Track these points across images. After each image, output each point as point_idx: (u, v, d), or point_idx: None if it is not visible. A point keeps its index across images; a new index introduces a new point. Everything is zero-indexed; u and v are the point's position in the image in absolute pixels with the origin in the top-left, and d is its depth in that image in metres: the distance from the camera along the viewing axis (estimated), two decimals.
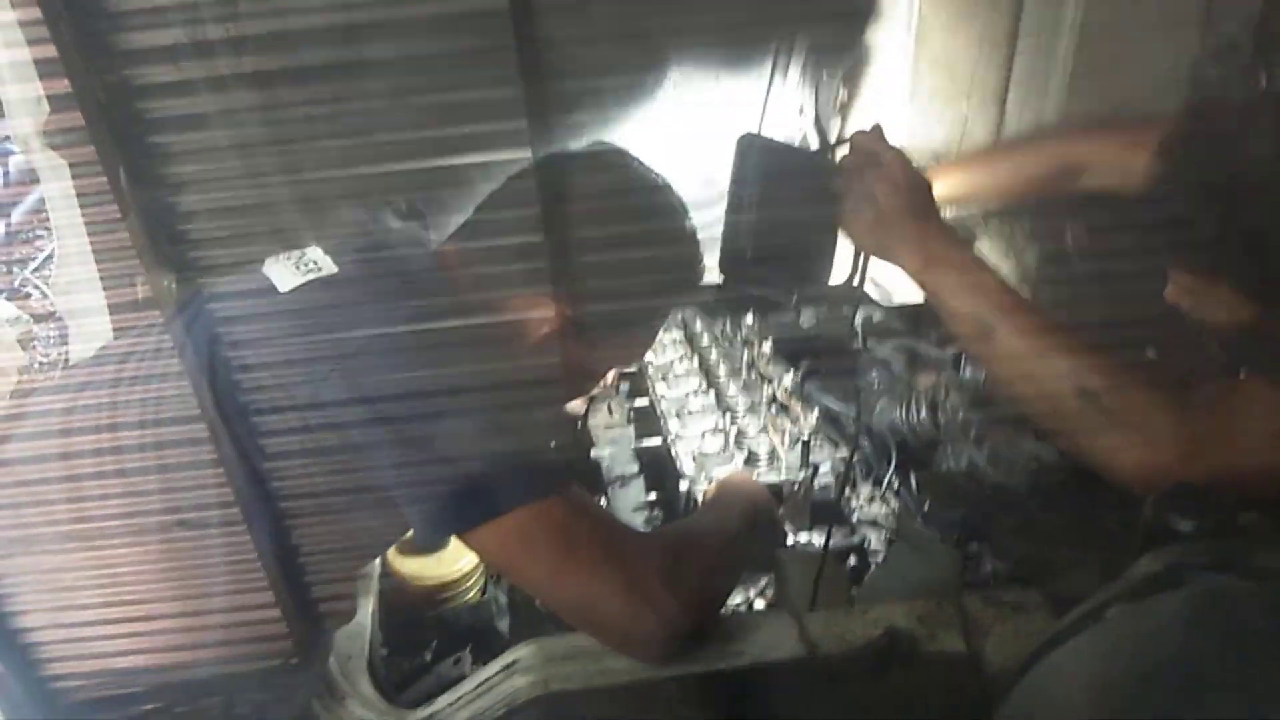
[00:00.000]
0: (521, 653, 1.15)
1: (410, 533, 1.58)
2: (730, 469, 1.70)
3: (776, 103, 1.46)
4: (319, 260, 1.22)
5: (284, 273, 1.21)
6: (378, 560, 1.50)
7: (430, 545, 1.52)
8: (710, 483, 1.67)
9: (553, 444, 1.24)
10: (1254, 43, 1.78)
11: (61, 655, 1.35)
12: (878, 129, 1.35)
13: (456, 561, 1.56)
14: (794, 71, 1.40)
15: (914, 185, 1.28)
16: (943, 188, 1.82)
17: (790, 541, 1.63)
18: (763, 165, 1.32)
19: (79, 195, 1.23)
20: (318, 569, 1.35)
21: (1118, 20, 1.82)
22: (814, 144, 1.56)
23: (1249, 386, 1.11)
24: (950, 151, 1.94)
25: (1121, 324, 1.79)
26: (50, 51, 1.05)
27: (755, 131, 1.39)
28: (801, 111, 1.48)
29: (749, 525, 1.44)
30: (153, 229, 1.25)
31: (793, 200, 1.33)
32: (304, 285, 1.19)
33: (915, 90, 1.88)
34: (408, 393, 1.09)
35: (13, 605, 1.33)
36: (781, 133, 1.50)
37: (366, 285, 1.23)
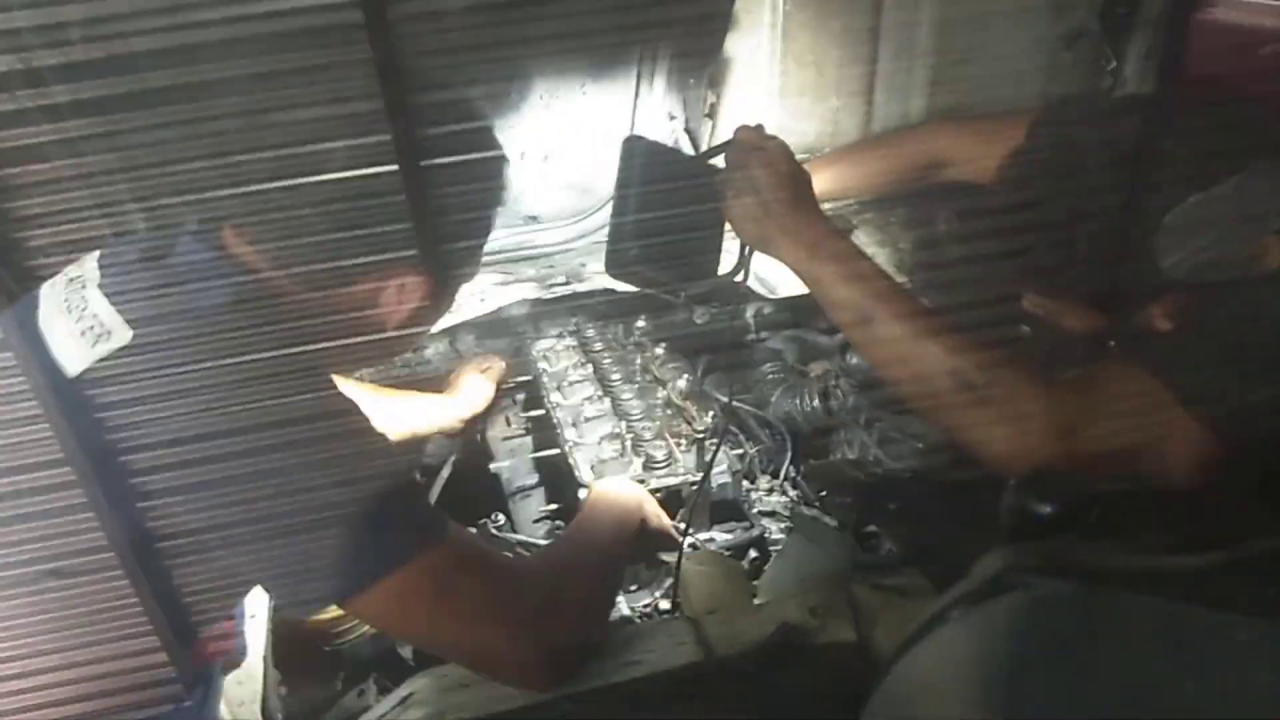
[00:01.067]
0: (417, 684, 1.13)
1: None
2: (628, 475, 1.70)
3: (645, 110, 1.47)
4: (107, 320, 1.06)
5: (68, 343, 1.06)
6: (267, 600, 1.45)
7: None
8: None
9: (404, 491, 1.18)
10: (1101, 28, 1.88)
11: None
12: (760, 126, 1.37)
13: None
14: (659, 79, 1.41)
15: (795, 177, 1.30)
16: (816, 183, 1.86)
17: (689, 542, 1.64)
18: (646, 166, 1.33)
19: None
20: (202, 609, 1.30)
21: (972, 14, 1.89)
22: (687, 148, 1.57)
23: (1112, 368, 1.16)
24: (822, 146, 1.98)
25: (993, 304, 1.87)
26: None
27: (638, 134, 1.39)
28: (672, 117, 1.49)
29: (625, 536, 1.43)
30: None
31: (677, 199, 1.33)
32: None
33: (784, 88, 1.91)
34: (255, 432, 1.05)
35: None
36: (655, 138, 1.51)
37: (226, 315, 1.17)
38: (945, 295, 2.06)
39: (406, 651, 1.58)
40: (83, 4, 1.09)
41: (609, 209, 1.68)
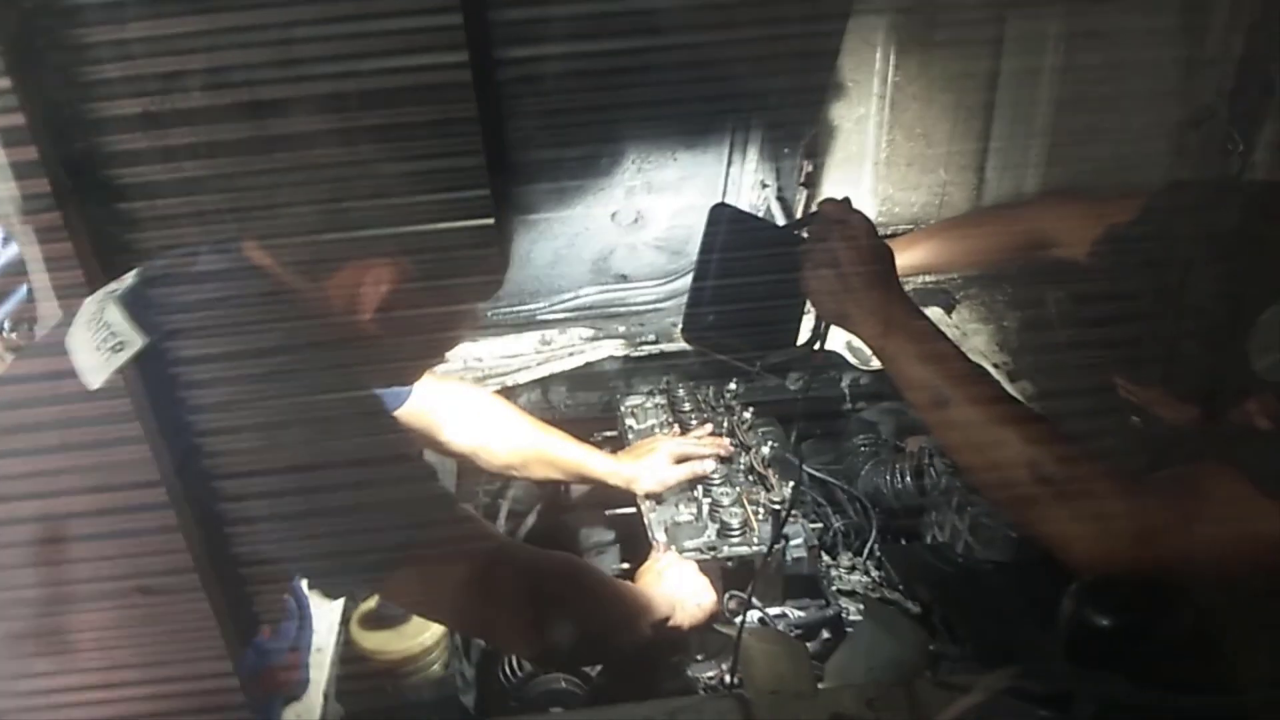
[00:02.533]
0: None
1: (372, 603, 1.59)
2: (703, 540, 1.67)
3: (737, 176, 1.47)
4: (119, 330, 1.06)
5: (89, 356, 1.07)
6: (335, 634, 1.48)
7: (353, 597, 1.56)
8: (670, 550, 1.65)
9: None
10: (1229, 111, 1.79)
11: None
12: (846, 200, 1.35)
13: (419, 635, 1.54)
14: (753, 147, 1.41)
15: (875, 252, 1.27)
16: (917, 254, 1.82)
17: (758, 617, 1.60)
18: (729, 233, 1.33)
19: (48, 261, 1.25)
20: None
21: (1093, 94, 1.83)
22: (779, 216, 1.56)
23: (1205, 469, 1.09)
24: (928, 218, 1.94)
25: (1101, 392, 1.78)
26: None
27: (726, 202, 1.39)
28: (764, 185, 1.49)
29: (648, 612, 1.45)
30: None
31: (758, 267, 1.33)
32: None
33: (891, 159, 1.89)
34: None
35: None
36: (745, 204, 1.51)
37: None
38: (1051, 379, 1.98)
39: (467, 699, 1.58)
40: (207, 55, 1.18)
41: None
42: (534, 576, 1.27)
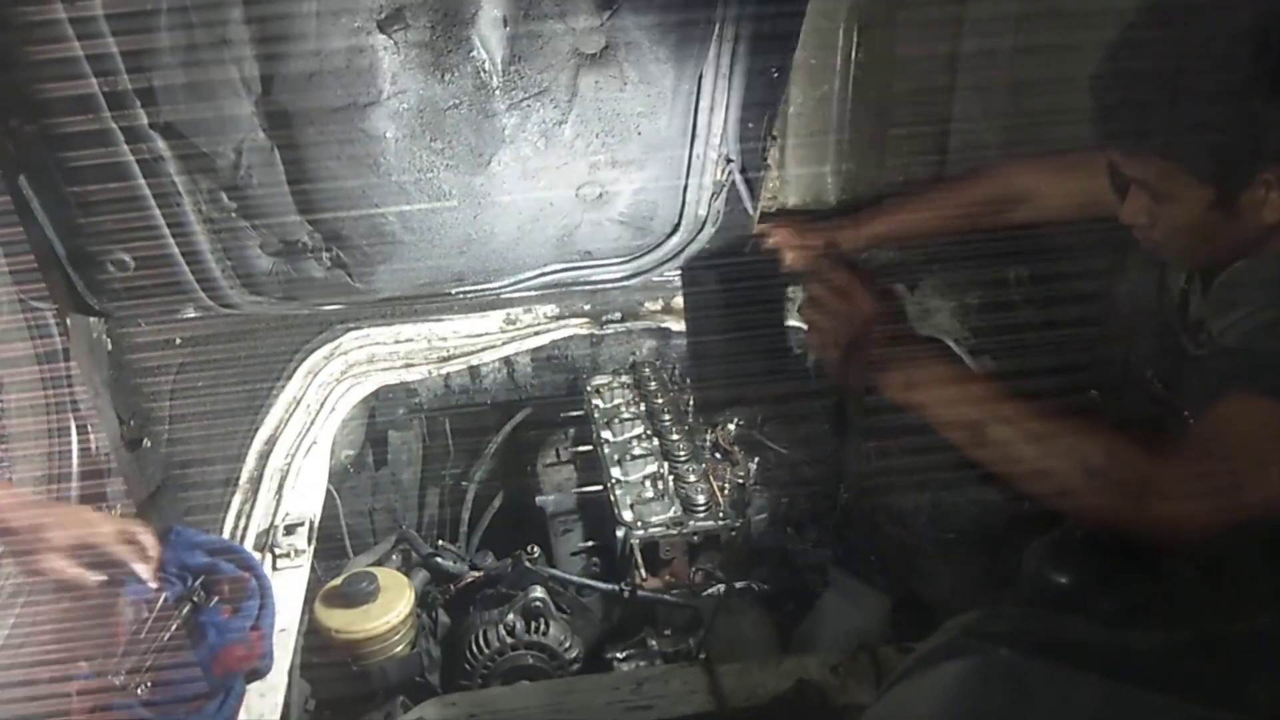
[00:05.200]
0: (428, 711, 1.13)
1: (337, 582, 1.58)
2: (667, 517, 1.68)
3: (704, 153, 1.47)
4: None
5: None
6: (298, 615, 1.48)
7: None
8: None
9: None
10: None
11: None
12: (832, 249, 1.33)
13: (385, 614, 1.53)
14: (716, 124, 1.41)
15: (882, 300, 1.24)
16: (886, 225, 1.82)
17: (724, 588, 1.61)
18: (711, 291, 1.29)
19: None
20: None
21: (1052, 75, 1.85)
22: (744, 197, 1.57)
23: (1243, 411, 1.09)
24: (893, 188, 1.95)
25: (1063, 370, 1.81)
26: None
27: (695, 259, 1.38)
28: (729, 160, 1.49)
29: None
30: None
31: (748, 316, 1.30)
32: None
33: (854, 135, 1.90)
34: None
35: None
36: (708, 181, 1.51)
37: None
38: (1013, 356, 2.00)
39: (434, 677, 1.58)
40: None
41: (663, 250, 1.68)
42: None
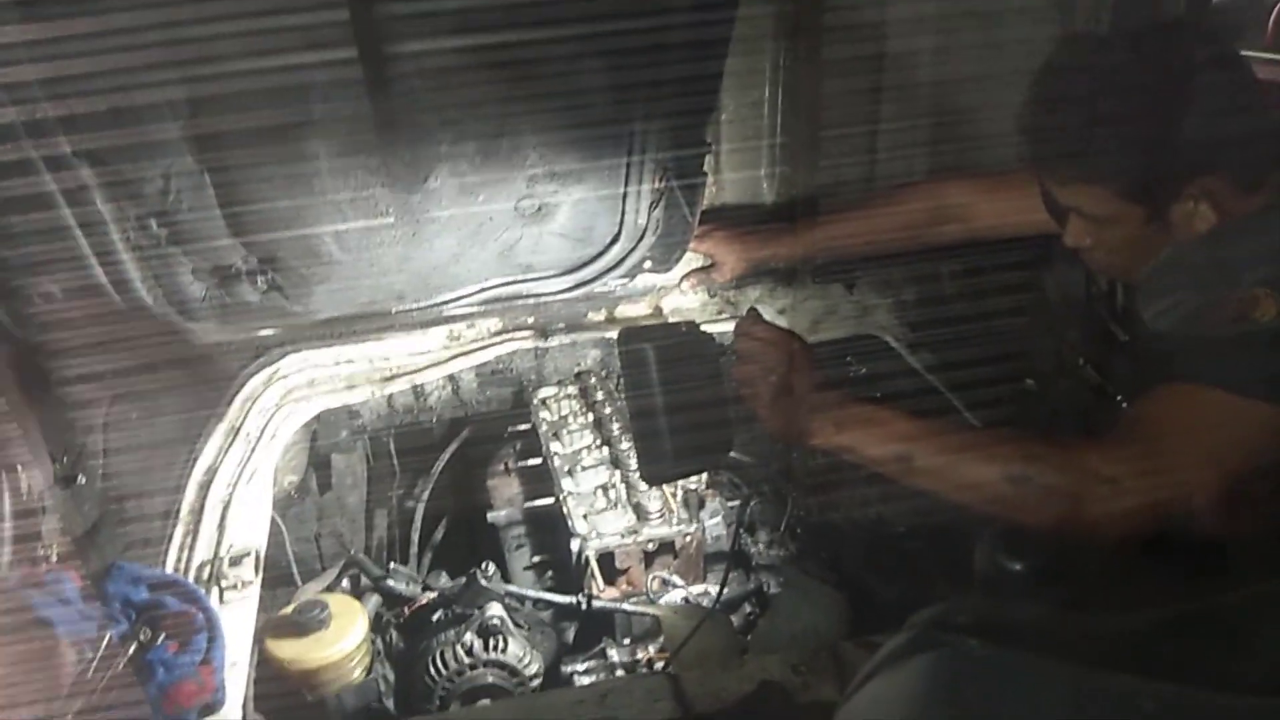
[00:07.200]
0: None
1: (288, 610, 1.54)
2: (622, 526, 1.68)
3: (640, 164, 1.48)
4: None
5: None
6: (250, 648, 1.44)
7: None
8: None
9: None
10: None
11: None
12: (753, 312, 1.36)
13: (338, 642, 1.50)
14: (652, 136, 1.42)
15: (798, 359, 1.27)
16: (820, 237, 1.86)
17: (681, 596, 1.62)
18: (653, 357, 1.30)
19: None
20: None
21: (975, 74, 1.90)
22: (683, 206, 1.58)
23: (1177, 399, 1.13)
24: (825, 197, 1.98)
25: (999, 360, 1.85)
26: None
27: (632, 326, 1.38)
28: (665, 169, 1.50)
29: None
30: None
31: (693, 382, 1.31)
32: None
33: (787, 143, 1.92)
34: None
35: None
36: (646, 190, 1.52)
37: None
38: (951, 349, 2.05)
39: (389, 702, 1.56)
40: None
41: (603, 262, 1.69)
42: None
